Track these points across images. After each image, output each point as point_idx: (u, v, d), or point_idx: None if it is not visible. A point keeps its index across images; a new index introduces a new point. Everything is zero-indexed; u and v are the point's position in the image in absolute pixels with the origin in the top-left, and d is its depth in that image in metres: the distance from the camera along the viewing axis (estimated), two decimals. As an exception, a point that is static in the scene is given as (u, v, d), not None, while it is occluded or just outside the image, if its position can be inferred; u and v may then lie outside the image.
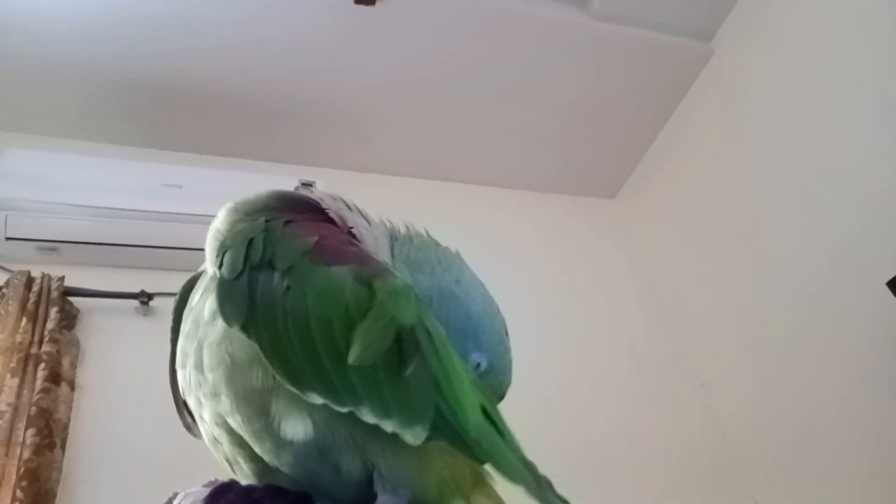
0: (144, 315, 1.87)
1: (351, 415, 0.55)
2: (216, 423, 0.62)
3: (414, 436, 0.54)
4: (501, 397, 0.78)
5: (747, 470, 2.21)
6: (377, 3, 2.03)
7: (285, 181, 1.96)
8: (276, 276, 0.59)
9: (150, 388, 1.75)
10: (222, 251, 0.62)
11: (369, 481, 0.58)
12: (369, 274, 0.60)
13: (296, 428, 0.57)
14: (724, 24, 2.43)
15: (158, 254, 1.91)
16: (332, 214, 0.71)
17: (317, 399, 0.54)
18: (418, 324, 0.59)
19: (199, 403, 0.63)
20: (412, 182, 2.57)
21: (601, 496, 1.96)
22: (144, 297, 1.85)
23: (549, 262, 2.56)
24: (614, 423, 2.18)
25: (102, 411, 1.69)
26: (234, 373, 0.58)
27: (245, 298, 0.58)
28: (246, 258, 0.60)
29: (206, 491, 0.62)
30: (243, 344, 0.58)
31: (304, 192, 0.75)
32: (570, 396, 2.17)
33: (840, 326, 1.98)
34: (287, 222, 0.64)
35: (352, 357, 0.55)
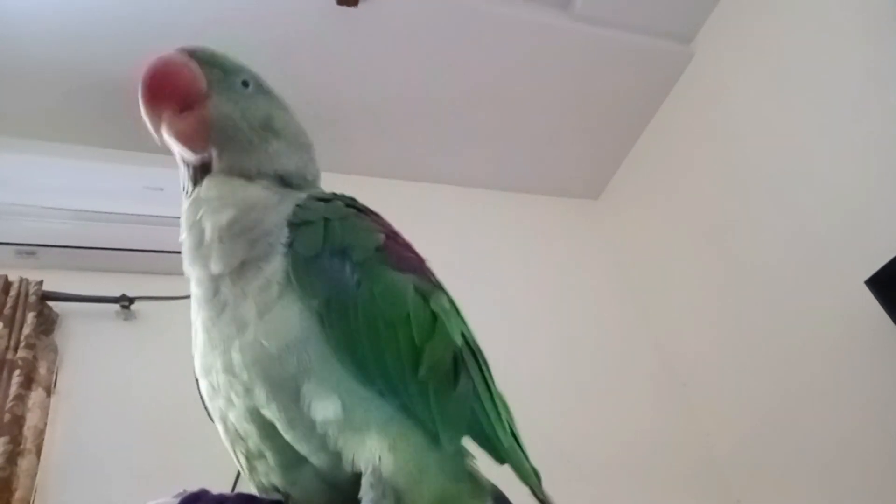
0: (125, 319, 1.84)
1: (379, 402, 0.61)
2: (246, 420, 0.65)
3: (449, 440, 0.62)
4: None
5: (729, 469, 2.23)
6: (360, 5, 2.03)
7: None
8: (349, 266, 0.64)
9: (131, 394, 1.74)
10: (297, 222, 0.66)
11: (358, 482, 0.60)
12: (426, 289, 0.68)
13: (326, 409, 0.60)
14: (704, 27, 2.45)
15: (140, 257, 1.88)
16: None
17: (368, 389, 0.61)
18: (464, 344, 0.68)
19: (230, 403, 0.66)
20: (395, 184, 2.56)
21: (584, 496, 1.97)
22: (125, 302, 1.82)
23: (532, 263, 2.57)
24: (596, 422, 2.19)
25: (81, 417, 1.66)
26: (269, 364, 0.62)
27: (325, 281, 0.63)
28: (325, 239, 0.64)
29: (176, 501, 0.65)
30: (278, 334, 0.62)
31: None
32: (552, 396, 2.18)
33: (819, 325, 2.00)
34: (359, 210, 0.70)
35: (421, 373, 0.62)
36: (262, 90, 0.80)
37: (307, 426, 0.61)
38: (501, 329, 2.26)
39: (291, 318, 0.62)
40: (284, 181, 0.73)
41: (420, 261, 0.72)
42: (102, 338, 1.81)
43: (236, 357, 0.64)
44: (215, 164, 0.71)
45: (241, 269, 0.65)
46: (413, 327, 0.64)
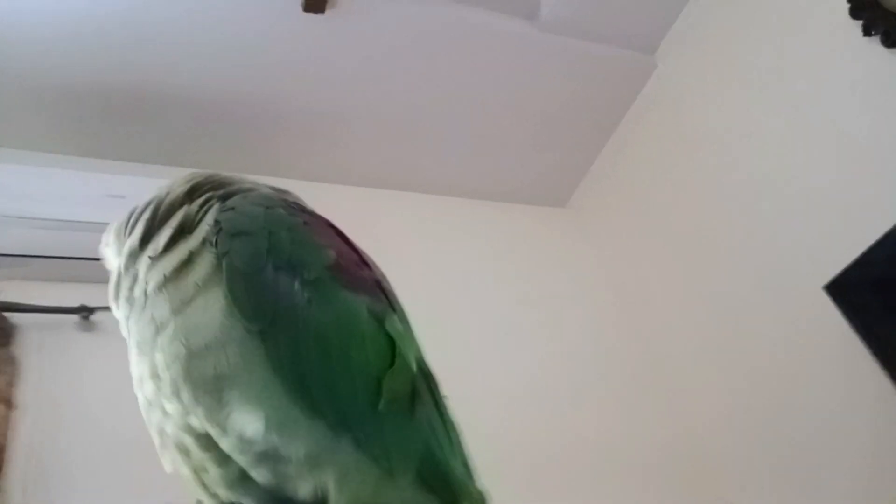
0: (85, 330, 1.80)
1: (316, 426, 0.56)
2: (181, 430, 0.61)
3: (402, 472, 0.58)
4: None
5: (719, 472, 2.24)
6: (326, 11, 2.02)
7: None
8: (297, 284, 0.59)
9: (93, 405, 1.70)
10: (232, 231, 0.61)
11: None
12: (380, 312, 0.64)
13: (246, 422, 0.56)
14: (666, 38, 2.50)
15: (100, 266, 1.83)
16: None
17: (309, 417, 0.56)
18: (419, 370, 0.64)
19: (164, 414, 0.62)
20: (364, 192, 2.55)
21: (571, 497, 1.98)
22: (85, 312, 1.78)
23: (502, 271, 2.57)
24: (581, 429, 2.20)
25: (44, 431, 1.61)
26: (190, 362, 0.58)
27: (269, 298, 0.58)
28: (269, 252, 0.60)
29: None
30: (197, 330, 0.58)
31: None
32: (535, 404, 2.18)
33: (780, 331, 2.05)
34: (305, 222, 0.66)
35: (381, 406, 0.58)
36: None
37: (236, 436, 0.57)
38: (473, 336, 2.26)
39: (212, 315, 0.58)
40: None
41: (371, 279, 0.68)
42: (62, 349, 1.76)
43: (158, 357, 0.60)
44: None
45: (150, 261, 0.64)
46: (368, 354, 0.61)
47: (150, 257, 0.65)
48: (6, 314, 1.72)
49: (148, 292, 0.63)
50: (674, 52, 2.48)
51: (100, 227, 2.02)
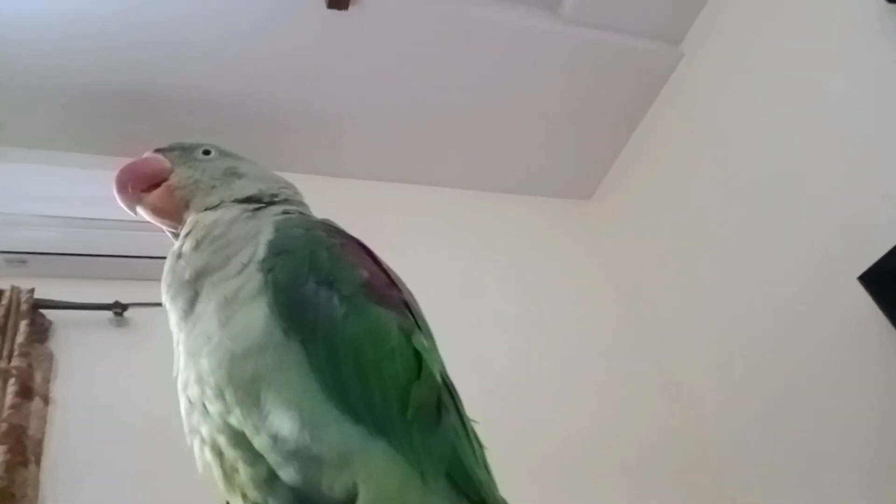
0: (118, 326, 1.83)
1: (349, 428, 0.61)
2: (217, 430, 0.66)
3: (432, 476, 0.63)
4: None
5: (723, 468, 2.23)
6: (350, 8, 2.03)
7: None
8: (336, 298, 0.66)
9: (126, 400, 1.73)
10: (276, 251, 0.68)
11: None
12: (407, 327, 0.70)
13: (281, 421, 0.61)
14: (692, 27, 2.46)
15: (132, 263, 1.87)
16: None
17: (345, 417, 0.61)
18: (443, 383, 0.70)
19: (204, 414, 0.67)
20: (387, 186, 2.56)
21: (577, 496, 1.97)
22: (118, 308, 1.82)
23: (525, 264, 2.57)
24: (589, 423, 2.19)
25: (78, 425, 1.65)
26: (233, 367, 0.63)
27: (310, 310, 0.64)
28: (310, 269, 0.66)
29: None
30: (241, 337, 0.64)
31: None
32: (546, 396, 2.18)
33: (813, 323, 2.01)
34: (341, 244, 0.72)
35: (409, 413, 0.64)
36: (226, 154, 0.90)
37: (270, 436, 0.62)
38: (495, 330, 2.27)
39: (255, 323, 0.64)
40: (251, 200, 0.81)
41: (399, 298, 0.73)
42: (96, 345, 1.80)
43: (204, 362, 0.65)
44: (189, 216, 0.80)
45: (212, 284, 0.70)
46: (398, 365, 0.66)
47: (212, 284, 0.71)
48: (42, 311, 1.76)
49: (207, 311, 0.68)
50: (700, 41, 2.45)
51: (131, 226, 2.06)
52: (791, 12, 2.11)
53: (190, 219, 0.79)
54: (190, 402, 0.69)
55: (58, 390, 1.69)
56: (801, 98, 2.08)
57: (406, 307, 0.74)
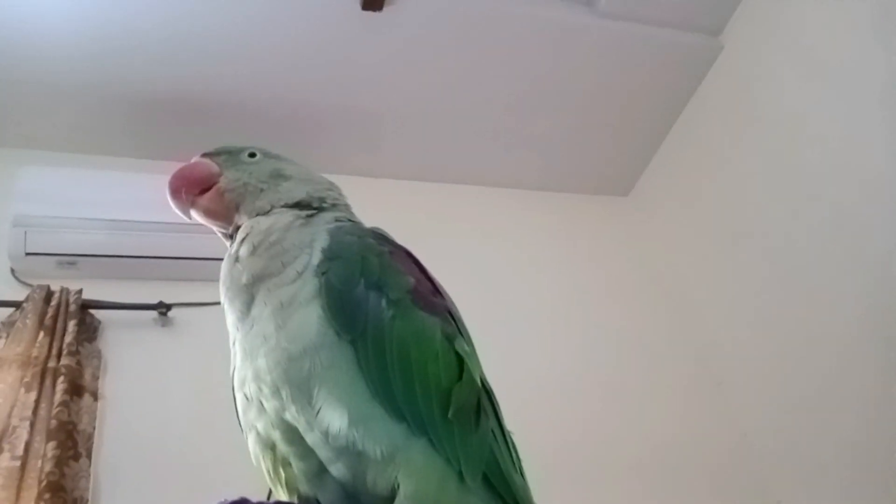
0: (163, 326, 1.88)
1: (394, 426, 0.65)
2: (273, 425, 0.70)
3: (471, 476, 0.65)
4: None
5: (768, 469, 2.18)
6: (385, 8, 2.04)
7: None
8: (384, 301, 0.70)
9: (170, 395, 1.79)
10: (330, 256, 0.72)
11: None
12: (451, 333, 0.73)
13: (332, 418, 0.64)
14: (733, 18, 2.41)
15: (175, 265, 1.92)
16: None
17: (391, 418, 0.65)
18: (482, 387, 0.73)
19: (260, 411, 0.70)
20: (423, 186, 2.57)
21: (620, 497, 1.95)
22: (163, 308, 1.87)
23: (563, 262, 2.55)
24: (630, 423, 2.17)
25: (127, 420, 1.71)
26: (290, 366, 0.67)
27: (360, 312, 0.68)
28: (361, 273, 0.70)
29: None
30: (297, 337, 0.67)
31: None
32: (586, 396, 2.16)
33: (860, 321, 1.95)
34: (390, 251, 0.76)
35: (450, 414, 0.67)
36: (270, 156, 0.93)
37: (321, 432, 0.65)
38: (533, 328, 2.26)
39: (310, 325, 0.68)
40: (301, 205, 0.85)
41: (443, 306, 0.77)
42: (142, 343, 1.86)
43: (261, 362, 0.69)
44: (241, 220, 0.84)
45: (268, 289, 0.73)
46: (441, 367, 0.69)
47: (268, 289, 0.74)
48: (91, 311, 1.82)
49: (264, 314, 0.72)
50: (741, 33, 2.39)
51: (175, 228, 2.11)
52: (833, 1, 2.05)
53: (245, 224, 0.83)
54: (247, 398, 0.72)
55: (107, 387, 1.75)
56: (844, 87, 2.01)
57: (449, 314, 0.77)
